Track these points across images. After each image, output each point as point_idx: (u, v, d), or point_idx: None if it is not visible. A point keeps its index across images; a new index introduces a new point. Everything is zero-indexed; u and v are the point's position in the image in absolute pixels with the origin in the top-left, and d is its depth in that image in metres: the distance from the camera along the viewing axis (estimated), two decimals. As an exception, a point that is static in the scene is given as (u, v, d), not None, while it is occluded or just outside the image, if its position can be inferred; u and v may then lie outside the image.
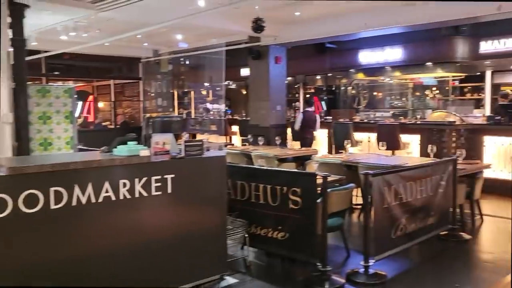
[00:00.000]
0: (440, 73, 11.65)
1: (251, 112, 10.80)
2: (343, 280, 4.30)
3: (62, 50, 11.09)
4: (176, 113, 14.87)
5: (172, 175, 3.77)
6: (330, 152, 10.67)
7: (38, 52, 11.22)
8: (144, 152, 3.73)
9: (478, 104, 12.97)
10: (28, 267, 3.09)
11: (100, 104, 16.84)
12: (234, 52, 10.91)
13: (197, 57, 12.85)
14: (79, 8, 7.52)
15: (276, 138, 8.36)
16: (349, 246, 5.03)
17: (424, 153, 8.21)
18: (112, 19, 8.32)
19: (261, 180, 4.72)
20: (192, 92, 15.86)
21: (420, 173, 5.04)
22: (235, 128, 13.16)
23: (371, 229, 4.39)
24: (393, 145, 8.85)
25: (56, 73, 14.47)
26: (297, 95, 15.62)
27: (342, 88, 13.84)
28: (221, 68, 11.79)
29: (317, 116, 9.88)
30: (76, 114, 7.57)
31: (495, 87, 12.63)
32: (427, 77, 12.90)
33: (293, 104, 15.12)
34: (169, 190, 3.76)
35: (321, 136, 11.65)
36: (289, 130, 10.66)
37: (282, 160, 7.49)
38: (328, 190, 4.36)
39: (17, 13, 6.09)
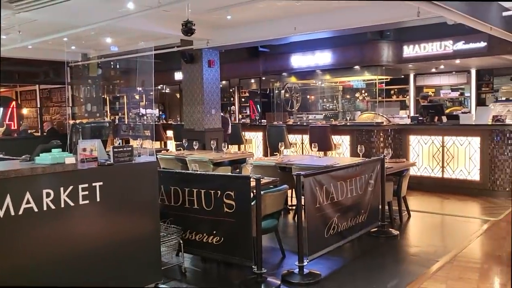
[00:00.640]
0: (367, 76, 12.12)
1: (186, 117, 10.67)
2: (278, 282, 4.34)
3: (-23, 53, 10.36)
4: (108, 119, 14.39)
5: (101, 183, 3.63)
6: (265, 155, 10.79)
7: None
8: (69, 159, 3.57)
9: (404, 105, 13.73)
10: None
11: (25, 111, 15.93)
12: (167, 55, 10.73)
13: (129, 61, 12.46)
14: (-6, 7, 7.04)
15: (212, 142, 8.31)
16: (285, 247, 5.10)
17: (354, 153, 8.52)
18: (35, 20, 7.88)
19: (194, 185, 4.67)
20: (125, 97, 15.43)
21: (350, 173, 5.22)
22: (170, 133, 12.97)
23: (305, 229, 4.47)
24: (325, 146, 9.10)
25: (-26, 78, 13.51)
26: (232, 99, 15.65)
27: (276, 91, 14.03)
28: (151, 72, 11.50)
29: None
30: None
31: (419, 89, 13.41)
32: (356, 80, 13.38)
33: (229, 108, 15.14)
34: (98, 199, 3.62)
35: (257, 139, 11.78)
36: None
37: (217, 164, 7.47)
38: (262, 192, 4.39)
39: None
